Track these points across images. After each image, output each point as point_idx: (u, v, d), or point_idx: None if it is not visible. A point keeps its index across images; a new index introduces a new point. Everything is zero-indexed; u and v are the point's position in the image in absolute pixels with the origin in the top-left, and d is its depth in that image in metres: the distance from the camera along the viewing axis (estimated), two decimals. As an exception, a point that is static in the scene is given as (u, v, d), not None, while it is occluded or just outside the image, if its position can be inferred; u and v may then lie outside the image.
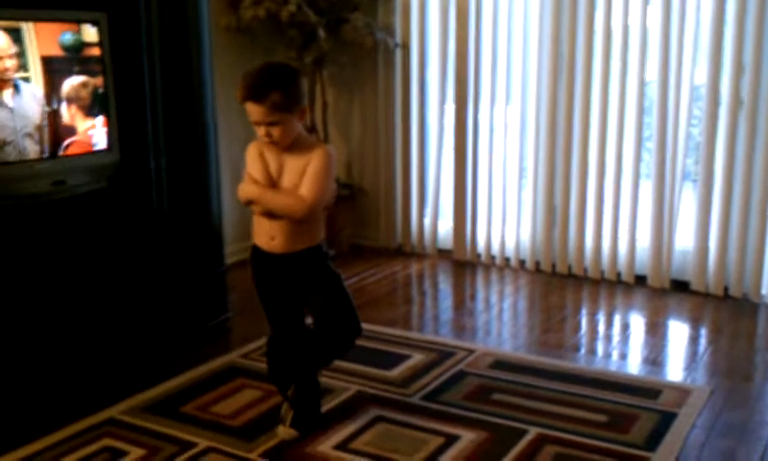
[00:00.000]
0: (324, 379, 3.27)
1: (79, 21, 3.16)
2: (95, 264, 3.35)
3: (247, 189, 2.67)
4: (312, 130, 5.06)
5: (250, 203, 2.69)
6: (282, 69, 2.67)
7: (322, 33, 4.71)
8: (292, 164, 2.64)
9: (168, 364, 3.45)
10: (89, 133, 3.23)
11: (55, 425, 2.90)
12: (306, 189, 2.60)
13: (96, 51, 3.22)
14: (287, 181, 2.65)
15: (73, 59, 3.15)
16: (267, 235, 2.72)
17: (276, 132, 2.58)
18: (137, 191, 3.50)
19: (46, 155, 3.07)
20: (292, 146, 2.64)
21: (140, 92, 3.46)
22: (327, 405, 3.05)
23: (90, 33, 3.20)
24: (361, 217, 5.42)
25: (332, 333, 2.81)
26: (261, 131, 2.61)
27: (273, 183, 2.66)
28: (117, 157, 3.33)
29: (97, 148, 3.26)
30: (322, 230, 2.78)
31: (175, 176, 3.64)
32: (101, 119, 3.26)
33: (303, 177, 2.61)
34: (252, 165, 2.69)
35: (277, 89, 2.54)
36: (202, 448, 2.77)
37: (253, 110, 2.57)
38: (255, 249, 2.80)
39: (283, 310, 2.86)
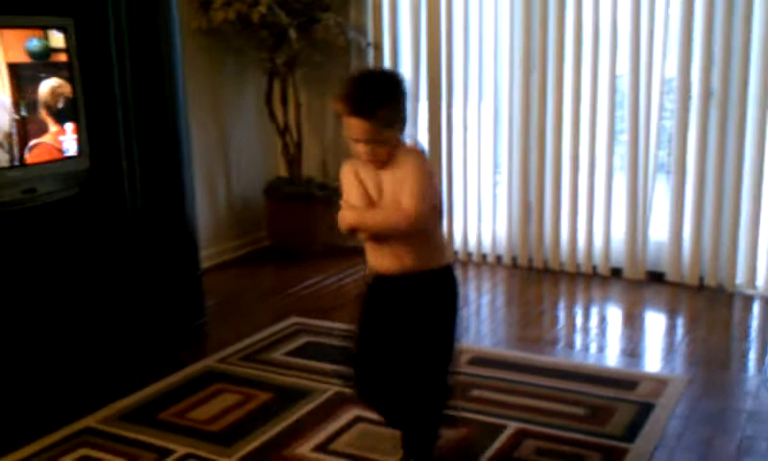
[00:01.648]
0: (304, 381, 3.27)
1: (46, 27, 3.13)
2: (69, 272, 3.32)
3: (345, 216, 2.34)
4: (285, 130, 5.04)
5: (353, 230, 2.36)
6: (391, 79, 2.33)
7: (293, 33, 4.69)
8: (390, 178, 2.30)
9: (145, 370, 3.42)
10: (59, 139, 3.20)
11: (30, 436, 2.86)
12: (407, 198, 2.24)
13: (64, 57, 3.19)
14: (388, 197, 2.30)
15: (40, 65, 3.12)
16: (392, 256, 2.35)
17: (381, 150, 2.27)
18: (110, 197, 3.46)
19: (16, 163, 3.04)
20: (388, 158, 2.31)
21: (111, 97, 3.43)
22: (307, 407, 3.04)
23: (58, 38, 3.16)
24: (337, 217, 5.39)
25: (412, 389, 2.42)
26: (363, 148, 2.27)
27: (374, 205, 2.33)
28: (87, 163, 3.30)
29: (67, 154, 3.23)
30: (444, 242, 2.48)
31: (148, 180, 3.61)
32: (70, 125, 3.23)
33: (403, 187, 2.27)
34: (350, 190, 2.36)
35: (387, 104, 2.24)
36: (180, 454, 2.74)
37: (358, 127, 2.23)
38: (377, 278, 2.42)
39: (385, 346, 2.42)
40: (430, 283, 2.38)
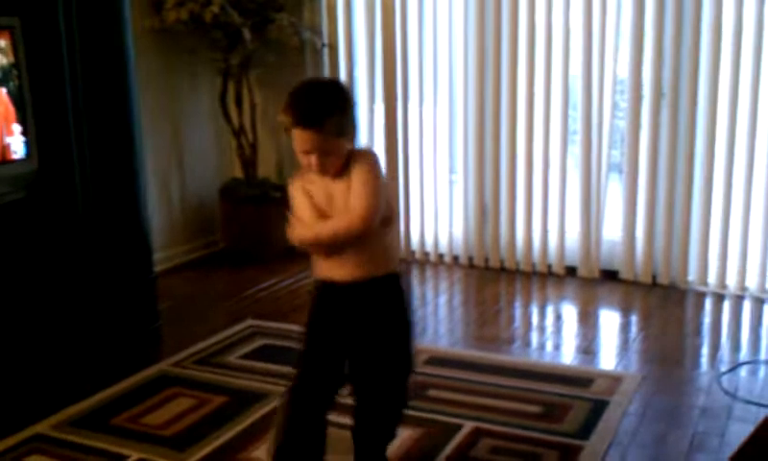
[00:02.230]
0: (259, 384, 3.24)
1: (-10, 26, 3.06)
2: (18, 277, 3.25)
3: (298, 234, 2.27)
4: (240, 131, 5.00)
5: (306, 245, 2.30)
6: (336, 88, 2.30)
7: (247, 34, 4.66)
8: (342, 188, 2.23)
9: (97, 375, 3.36)
10: (6, 141, 3.13)
11: (-22, 445, 2.81)
12: (356, 201, 2.19)
13: (10, 57, 3.12)
14: (336, 209, 2.25)
15: (-13, 65, 3.06)
16: (340, 264, 2.29)
17: (329, 161, 2.20)
18: (60, 200, 3.40)
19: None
20: (339, 168, 2.25)
21: (61, 98, 3.38)
22: (263, 410, 3.02)
23: (4, 38, 3.10)
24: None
25: (370, 400, 2.43)
26: (311, 159, 2.20)
27: (325, 218, 2.27)
28: (35, 165, 3.23)
29: (15, 157, 3.16)
30: (395, 249, 2.42)
31: (100, 183, 3.56)
32: (18, 127, 3.16)
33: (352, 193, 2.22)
34: (299, 206, 2.29)
35: (334, 114, 2.17)
36: (133, 460, 2.70)
37: (305, 138, 2.17)
38: (323, 285, 2.37)
39: (331, 357, 2.38)
40: (378, 291, 2.33)
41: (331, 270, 2.32)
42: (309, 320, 2.40)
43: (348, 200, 2.21)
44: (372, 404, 2.44)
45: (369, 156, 2.28)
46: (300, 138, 2.19)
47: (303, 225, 2.28)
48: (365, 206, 2.18)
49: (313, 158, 2.20)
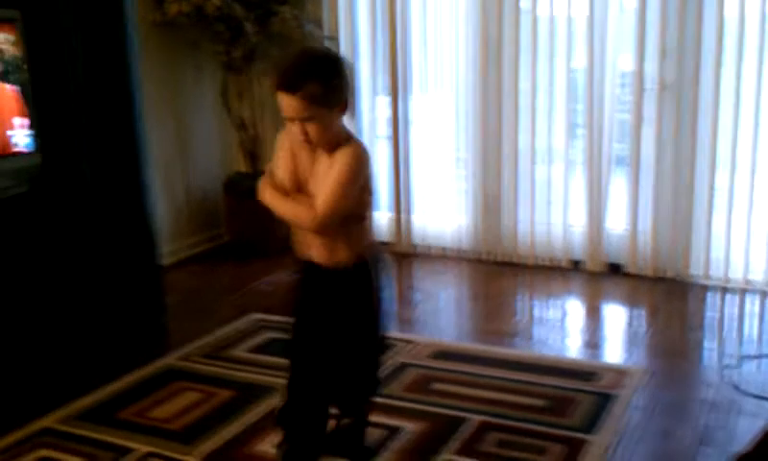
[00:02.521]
0: (265, 377, 3.24)
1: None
2: (23, 271, 3.25)
3: (261, 191, 2.28)
4: (243, 125, 4.99)
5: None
6: (323, 56, 2.25)
7: (249, 26, 4.64)
8: (322, 166, 2.22)
9: (104, 369, 3.37)
10: (9, 135, 3.13)
11: (-14, 439, 2.81)
12: (320, 199, 2.17)
13: (14, 50, 3.11)
14: (314, 185, 2.23)
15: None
16: (304, 244, 2.33)
17: (312, 129, 2.15)
18: (65, 193, 3.40)
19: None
20: (328, 144, 2.21)
21: (64, 92, 3.37)
22: (269, 403, 3.02)
23: (7, 31, 3.09)
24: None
25: (342, 385, 2.41)
26: (295, 127, 2.16)
27: (299, 186, 2.26)
28: (39, 159, 3.23)
29: (18, 150, 3.16)
30: (364, 239, 2.34)
31: (104, 176, 3.55)
32: (21, 121, 3.16)
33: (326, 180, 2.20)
34: (278, 163, 2.28)
35: (316, 79, 2.11)
36: (140, 453, 2.71)
37: (287, 103, 2.14)
38: (304, 266, 2.37)
39: (314, 339, 2.37)
40: (344, 278, 2.30)
41: (307, 249, 2.31)
42: (294, 306, 2.40)
43: (322, 184, 2.19)
44: (339, 387, 2.41)
45: (355, 150, 2.21)
46: (281, 103, 2.16)
47: (269, 188, 2.27)
48: (323, 209, 2.16)
49: (296, 126, 2.16)
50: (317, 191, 2.20)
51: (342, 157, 2.18)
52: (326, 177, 2.18)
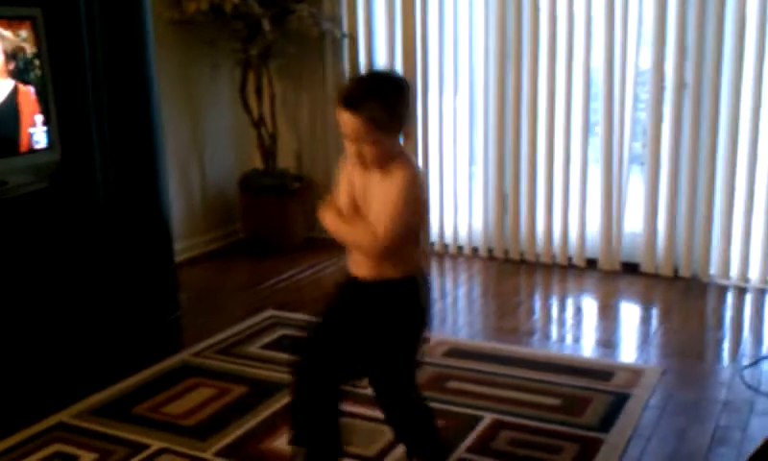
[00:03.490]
0: (280, 374, 3.25)
1: (11, 18, 3.07)
2: (40, 266, 3.28)
3: (322, 215, 2.28)
4: (260, 122, 5.01)
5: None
6: (387, 79, 2.22)
7: (266, 24, 4.65)
8: (377, 189, 2.19)
9: (119, 365, 3.39)
10: (29, 131, 3.15)
11: (2, 433, 2.83)
12: (380, 224, 2.15)
13: (33, 48, 3.14)
14: (373, 206, 2.21)
15: (10, 57, 3.07)
16: (354, 262, 2.32)
17: (369, 152, 2.13)
18: (82, 190, 3.43)
19: (-15, 155, 3.00)
20: (381, 163, 2.18)
21: (82, 89, 3.39)
22: (283, 400, 3.02)
23: (26, 29, 3.11)
24: (313, 209, 5.36)
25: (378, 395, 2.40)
26: (351, 148, 2.14)
27: (356, 207, 2.26)
28: (58, 155, 3.25)
29: (38, 147, 3.19)
30: (416, 257, 2.30)
31: (121, 173, 3.58)
32: (40, 118, 3.18)
33: (385, 202, 2.17)
34: (339, 190, 2.29)
35: (378, 100, 2.09)
36: (154, 449, 2.72)
37: (346, 121, 2.11)
38: (347, 279, 2.36)
39: (336, 342, 2.34)
40: (386, 290, 2.27)
41: (354, 266, 2.31)
42: (324, 307, 2.39)
43: (381, 204, 2.17)
44: (380, 398, 2.41)
45: (406, 177, 2.17)
46: (341, 120, 2.13)
47: (330, 214, 2.27)
48: (384, 234, 2.15)
49: (352, 147, 2.15)
50: (371, 211, 2.20)
51: (398, 181, 2.15)
52: (384, 197, 2.16)
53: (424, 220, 2.29)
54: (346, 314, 2.34)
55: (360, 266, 2.29)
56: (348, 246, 2.30)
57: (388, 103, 2.11)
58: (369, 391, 3.04)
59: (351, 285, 2.34)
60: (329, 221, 2.26)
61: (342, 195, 2.28)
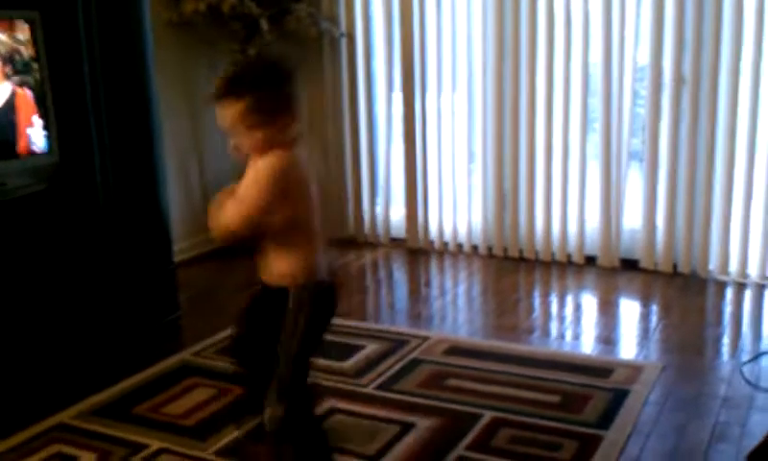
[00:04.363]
0: (278, 374, 3.25)
1: (10, 19, 3.08)
2: (40, 267, 3.28)
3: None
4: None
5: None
6: (261, 68, 2.18)
7: (264, 24, 4.65)
8: (246, 176, 2.15)
9: (118, 365, 3.39)
10: (28, 133, 3.16)
11: (2, 433, 2.83)
12: (228, 206, 2.12)
13: (31, 51, 3.14)
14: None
15: (8, 59, 3.07)
16: (261, 263, 2.29)
17: (242, 142, 2.11)
18: (80, 191, 3.43)
19: (-17, 158, 3.00)
20: (258, 154, 2.13)
21: (81, 91, 3.40)
22: (282, 400, 3.03)
23: (24, 32, 3.12)
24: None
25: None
26: (231, 140, 2.13)
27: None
28: (57, 157, 3.26)
29: (36, 149, 3.19)
30: (300, 260, 2.21)
31: (120, 174, 3.58)
32: (39, 120, 3.19)
33: None
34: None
35: (245, 92, 2.06)
36: (154, 449, 2.72)
37: (218, 113, 2.09)
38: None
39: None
40: (276, 297, 2.24)
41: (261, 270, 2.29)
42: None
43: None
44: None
45: (272, 162, 2.09)
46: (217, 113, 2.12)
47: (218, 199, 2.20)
48: (227, 219, 2.12)
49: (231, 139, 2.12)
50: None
51: (255, 171, 2.09)
52: (242, 186, 2.11)
53: (298, 220, 2.18)
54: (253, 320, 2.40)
55: (263, 270, 2.27)
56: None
57: (256, 94, 2.06)
58: (368, 389, 3.05)
59: (262, 287, 2.32)
60: (210, 209, 2.20)
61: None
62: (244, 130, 2.08)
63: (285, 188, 2.11)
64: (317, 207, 2.23)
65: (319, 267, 2.24)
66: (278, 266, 2.22)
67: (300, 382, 2.29)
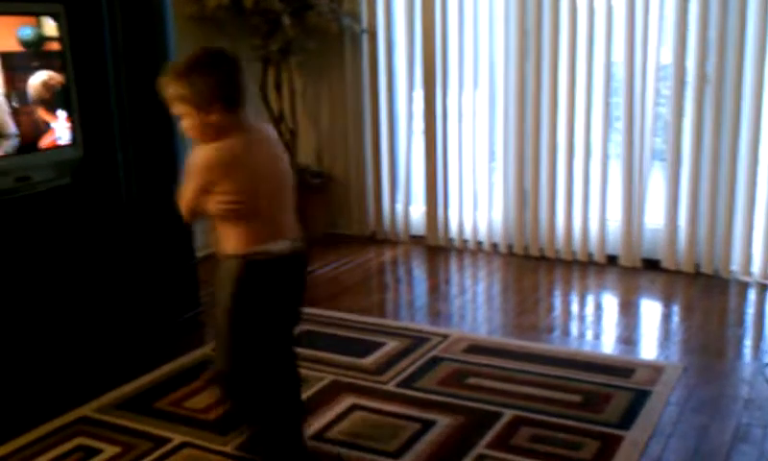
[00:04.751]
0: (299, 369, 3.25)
1: (36, 14, 3.10)
2: (63, 261, 3.30)
3: None
4: (280, 118, 5.02)
5: None
6: (204, 54, 2.36)
7: (286, 20, 4.66)
8: None
9: (141, 359, 3.41)
10: (52, 127, 3.18)
11: (26, 426, 2.86)
12: (179, 195, 2.38)
13: (56, 45, 3.16)
14: None
15: (33, 54, 3.09)
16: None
17: (187, 127, 2.31)
18: (104, 186, 3.45)
19: (9, 151, 3.02)
20: (204, 140, 2.32)
21: (104, 86, 3.41)
22: (303, 395, 3.03)
23: (50, 26, 3.14)
24: (333, 205, 5.39)
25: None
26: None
27: None
28: (81, 152, 3.28)
29: (60, 143, 3.21)
30: (240, 240, 2.35)
31: (142, 169, 3.60)
32: (63, 114, 3.21)
33: None
34: None
35: (174, 80, 2.27)
36: (176, 443, 2.74)
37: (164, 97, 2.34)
38: None
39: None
40: (219, 269, 2.42)
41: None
42: None
43: None
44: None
45: (206, 151, 2.28)
46: None
47: None
48: (179, 202, 2.37)
49: None
50: None
51: (191, 158, 2.31)
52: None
53: (236, 205, 2.31)
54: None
55: (215, 246, 2.46)
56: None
57: (189, 81, 2.24)
58: (389, 387, 3.06)
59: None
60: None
61: None
62: (184, 114, 2.28)
63: (215, 179, 2.28)
64: (273, 189, 2.42)
65: (265, 244, 2.37)
66: (222, 243, 2.39)
67: (244, 354, 2.45)
